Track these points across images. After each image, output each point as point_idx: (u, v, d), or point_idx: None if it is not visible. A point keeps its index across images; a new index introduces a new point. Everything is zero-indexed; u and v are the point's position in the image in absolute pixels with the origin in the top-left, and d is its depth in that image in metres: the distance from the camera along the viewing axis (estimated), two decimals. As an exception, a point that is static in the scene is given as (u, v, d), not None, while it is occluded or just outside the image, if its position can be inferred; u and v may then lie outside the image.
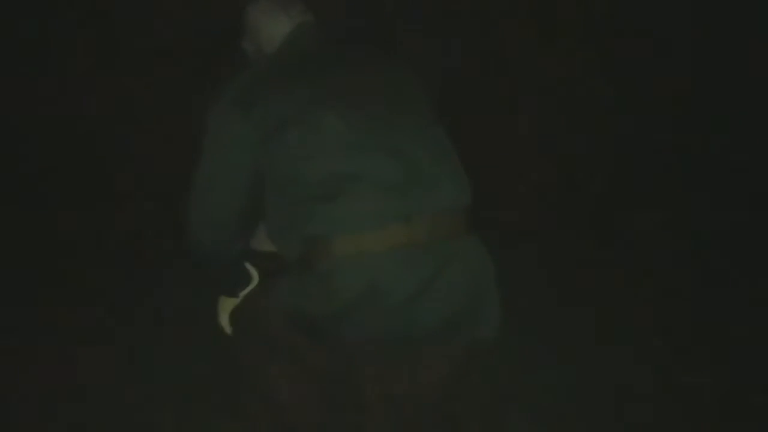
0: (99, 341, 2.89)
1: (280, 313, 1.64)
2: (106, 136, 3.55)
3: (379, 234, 1.55)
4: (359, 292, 1.54)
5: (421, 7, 3.26)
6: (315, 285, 1.57)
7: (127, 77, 3.50)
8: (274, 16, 1.76)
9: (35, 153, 3.53)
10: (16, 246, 3.39)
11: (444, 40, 1.78)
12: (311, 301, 1.57)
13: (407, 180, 1.58)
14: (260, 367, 1.72)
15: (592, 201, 3.61)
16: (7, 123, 3.52)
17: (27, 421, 2.44)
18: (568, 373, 2.64)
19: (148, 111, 3.51)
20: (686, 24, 3.59)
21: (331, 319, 1.56)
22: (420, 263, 1.56)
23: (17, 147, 3.52)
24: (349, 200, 1.55)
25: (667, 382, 2.64)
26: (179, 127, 3.16)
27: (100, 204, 3.53)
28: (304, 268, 1.59)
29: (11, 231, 3.43)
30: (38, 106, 3.50)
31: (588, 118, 3.62)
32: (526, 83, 3.56)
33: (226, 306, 1.80)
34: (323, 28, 1.78)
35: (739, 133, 3.62)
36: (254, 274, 1.78)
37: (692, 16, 3.57)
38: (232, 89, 1.63)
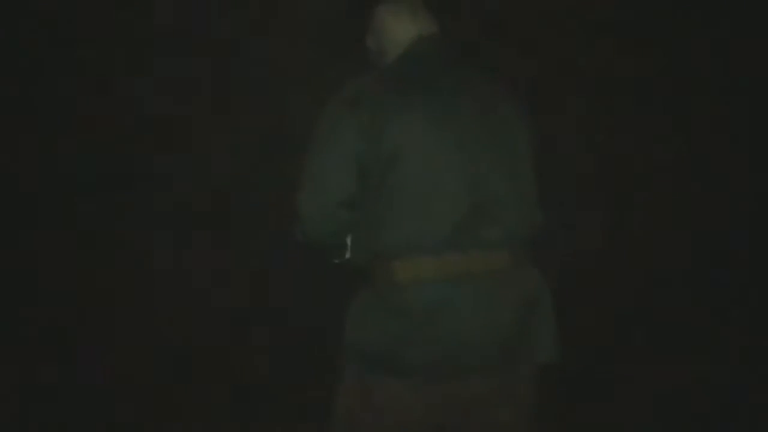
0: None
1: (350, 352, 1.72)
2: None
3: (437, 261, 1.63)
4: (414, 318, 1.62)
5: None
6: (375, 310, 1.67)
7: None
8: (401, 21, 1.81)
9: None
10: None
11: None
12: (372, 329, 1.67)
13: (477, 212, 1.65)
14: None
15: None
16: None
17: None
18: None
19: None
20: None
21: (389, 346, 1.64)
22: (475, 292, 1.64)
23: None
24: (419, 223, 1.63)
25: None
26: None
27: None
28: (367, 288, 1.70)
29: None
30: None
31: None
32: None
33: None
34: (444, 42, 1.82)
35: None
36: None
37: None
38: (346, 90, 1.71)
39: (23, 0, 3.30)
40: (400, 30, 1.80)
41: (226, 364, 3.32)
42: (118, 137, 3.40)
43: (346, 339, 1.73)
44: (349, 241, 1.76)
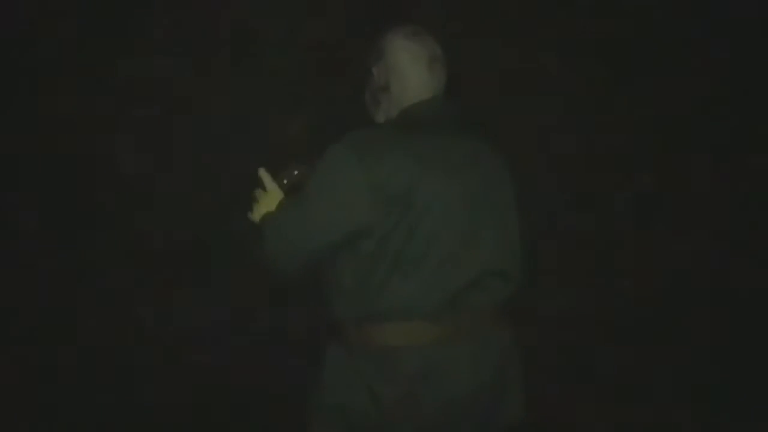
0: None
1: (330, 415, 1.66)
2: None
3: (433, 325, 1.59)
4: (407, 383, 1.59)
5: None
6: (362, 373, 1.61)
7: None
8: (417, 70, 1.71)
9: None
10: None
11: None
12: (358, 394, 1.61)
13: (474, 278, 1.62)
14: None
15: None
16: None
17: None
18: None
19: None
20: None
21: (377, 412, 1.59)
22: (463, 356, 1.62)
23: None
24: (421, 286, 1.59)
25: None
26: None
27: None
28: (350, 349, 1.64)
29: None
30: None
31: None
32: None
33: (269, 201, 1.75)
34: (452, 104, 1.76)
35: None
36: None
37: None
38: (356, 138, 1.62)
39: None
40: (414, 79, 1.71)
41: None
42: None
43: (325, 402, 1.68)
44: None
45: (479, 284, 1.63)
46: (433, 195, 1.59)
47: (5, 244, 3.31)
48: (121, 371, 3.31)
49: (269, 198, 1.76)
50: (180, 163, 3.45)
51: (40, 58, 3.35)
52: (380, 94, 1.75)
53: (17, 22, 3.31)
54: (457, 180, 1.63)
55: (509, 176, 1.77)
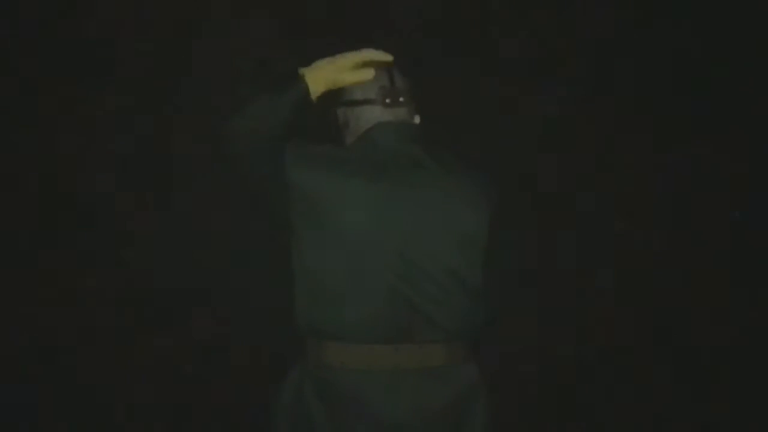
0: None
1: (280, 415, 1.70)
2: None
3: (366, 352, 1.62)
4: (343, 408, 1.61)
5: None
6: (304, 391, 1.65)
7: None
8: (370, 101, 1.72)
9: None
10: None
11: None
12: (300, 410, 1.65)
13: (409, 307, 1.62)
14: None
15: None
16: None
17: None
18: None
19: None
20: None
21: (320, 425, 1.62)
22: (408, 386, 1.62)
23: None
24: (352, 306, 1.60)
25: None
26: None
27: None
28: (301, 367, 1.69)
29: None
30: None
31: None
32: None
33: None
34: (406, 126, 1.73)
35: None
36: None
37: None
38: (309, 145, 1.67)
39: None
40: (366, 111, 1.72)
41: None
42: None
43: (279, 411, 1.70)
44: None
45: (417, 313, 1.61)
46: (363, 215, 1.60)
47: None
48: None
49: (333, 64, 1.68)
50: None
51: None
52: (342, 132, 1.78)
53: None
54: (396, 201, 1.63)
55: (478, 206, 1.69)
